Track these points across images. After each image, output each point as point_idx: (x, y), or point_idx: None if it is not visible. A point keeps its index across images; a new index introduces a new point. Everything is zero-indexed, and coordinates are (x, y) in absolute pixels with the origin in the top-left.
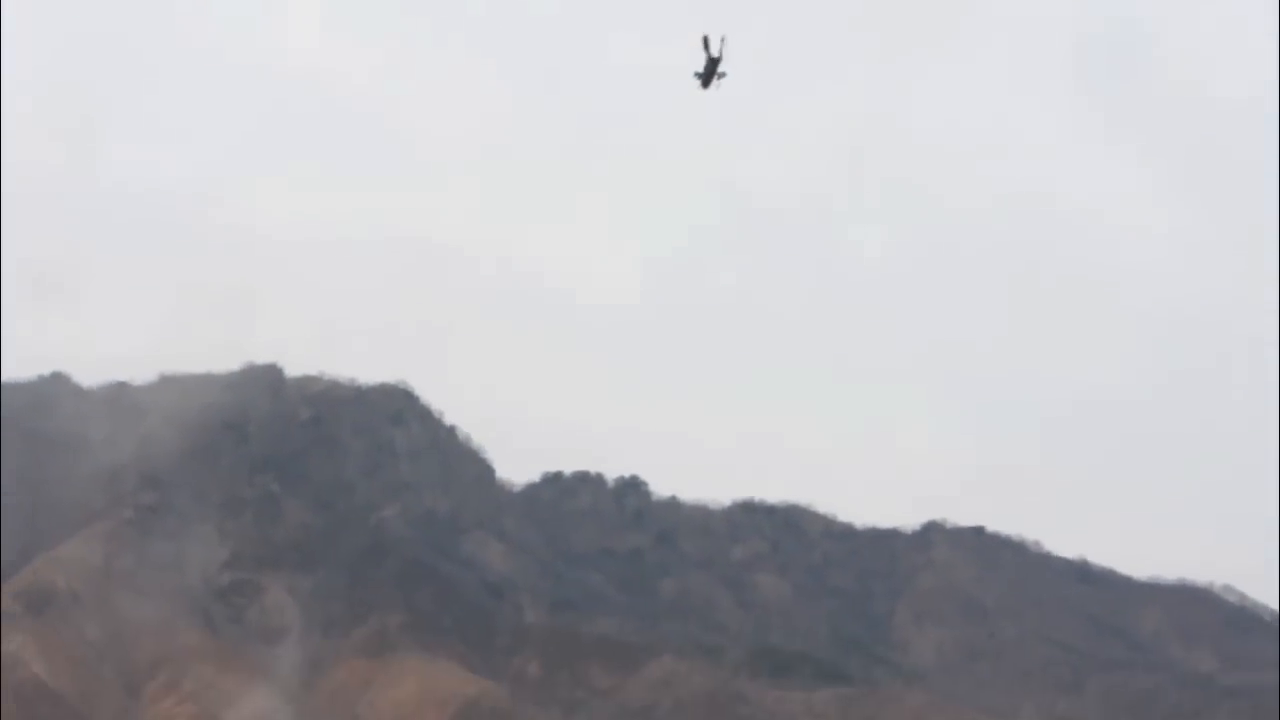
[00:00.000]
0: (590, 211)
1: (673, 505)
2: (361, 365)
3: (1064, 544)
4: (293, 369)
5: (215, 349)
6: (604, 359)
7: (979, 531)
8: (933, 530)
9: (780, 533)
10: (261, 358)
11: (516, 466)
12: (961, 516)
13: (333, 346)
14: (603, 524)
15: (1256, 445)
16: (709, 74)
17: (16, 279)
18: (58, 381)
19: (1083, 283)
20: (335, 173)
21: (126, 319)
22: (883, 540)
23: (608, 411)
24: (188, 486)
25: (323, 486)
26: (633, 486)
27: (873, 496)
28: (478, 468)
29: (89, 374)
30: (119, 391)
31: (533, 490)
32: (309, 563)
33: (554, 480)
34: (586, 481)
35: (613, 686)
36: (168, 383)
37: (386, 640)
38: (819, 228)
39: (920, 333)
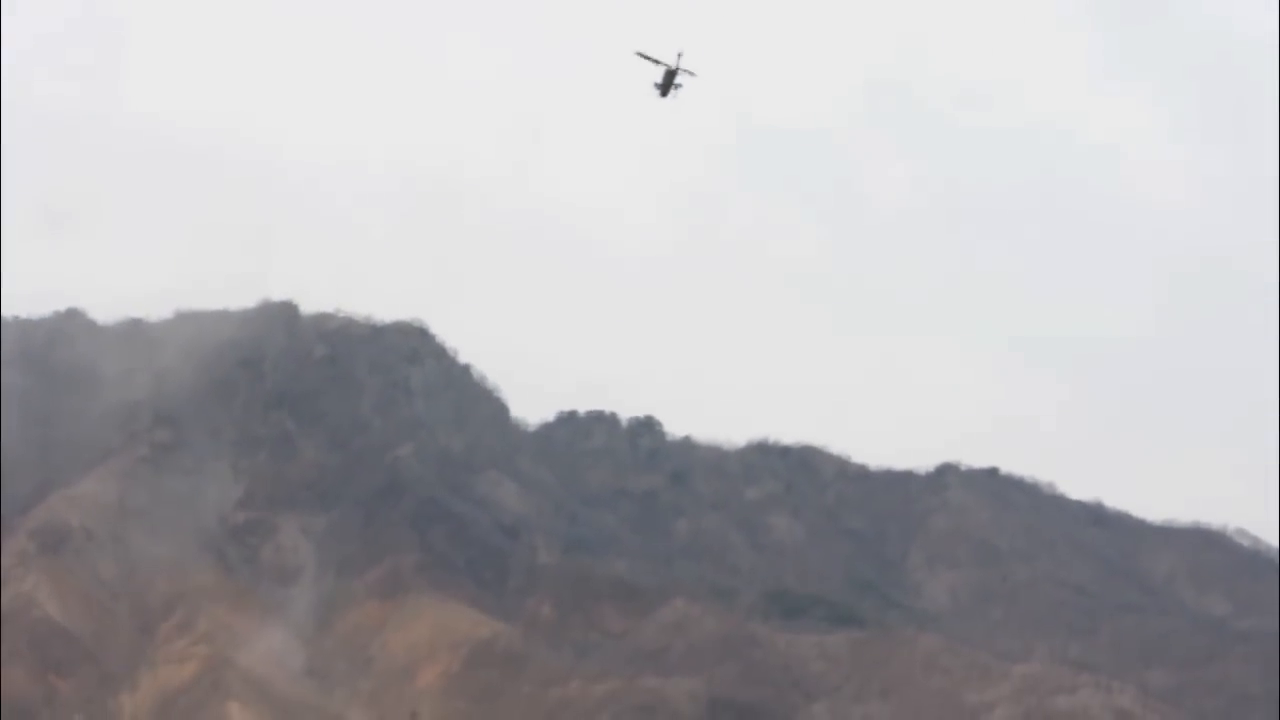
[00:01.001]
0: (607, 148)
1: (687, 446)
2: (377, 303)
3: (1078, 487)
4: (308, 306)
5: (231, 285)
6: (619, 298)
7: (993, 474)
8: (947, 472)
9: (794, 474)
10: (277, 295)
11: (531, 406)
12: (976, 459)
13: (349, 284)
14: (617, 464)
15: (1272, 388)
16: (667, 85)
17: (31, 213)
18: (73, 318)
19: (1100, 220)
20: (352, 109)
21: (142, 255)
22: (897, 482)
23: (623, 351)
24: (202, 424)
25: (337, 425)
26: (647, 427)
27: (887, 438)
28: (492, 407)
29: (104, 310)
30: (134, 328)
31: (547, 430)
32: (323, 502)
33: (568, 420)
34: (601, 421)
35: (626, 629)
36: (183, 319)
37: (400, 581)
38: (834, 163)
39: (936, 271)
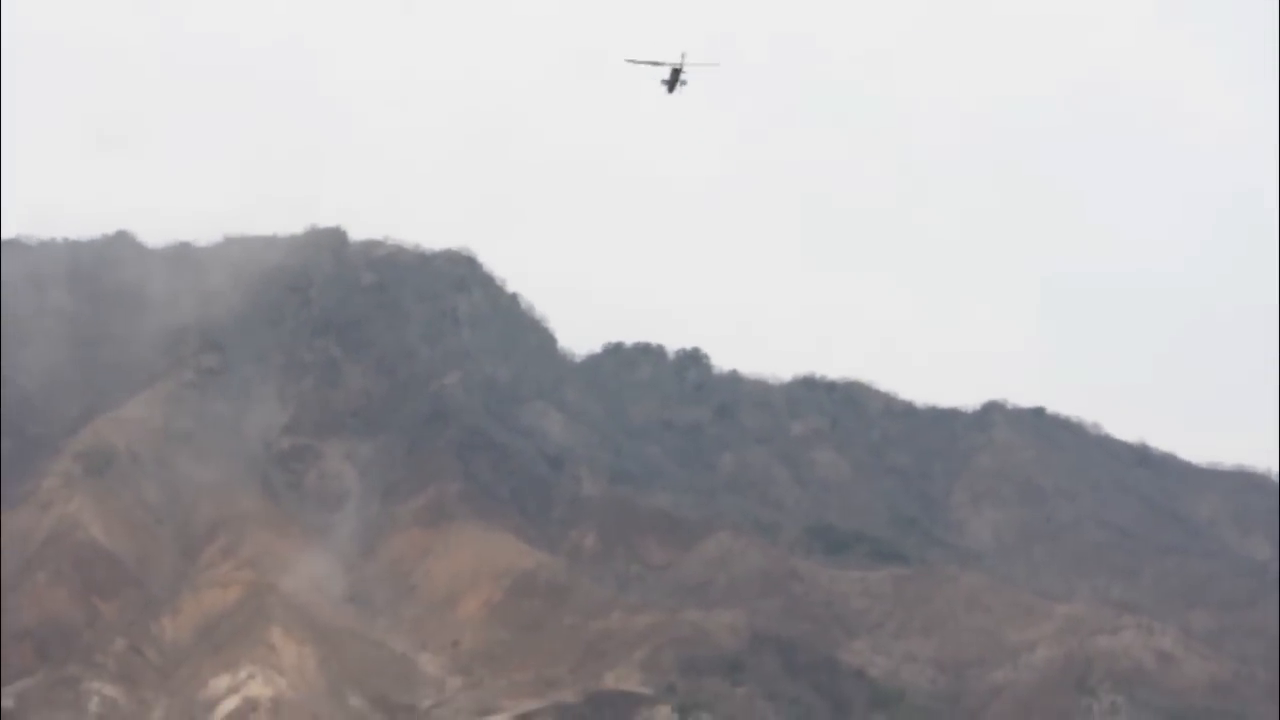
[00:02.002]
0: (653, 80)
1: (733, 379)
2: (426, 231)
3: (1124, 427)
4: (357, 233)
5: (280, 211)
6: (668, 231)
7: (1039, 413)
8: (993, 410)
9: (840, 410)
10: (325, 221)
11: (578, 337)
12: (1022, 397)
13: (397, 212)
14: (663, 397)
15: None
16: (673, 82)
17: (82, 135)
18: (121, 240)
19: (1152, 163)
20: (406, 36)
21: (192, 178)
22: (942, 420)
23: (671, 283)
24: (249, 349)
25: (384, 352)
26: (694, 359)
27: (933, 376)
28: (539, 337)
29: (153, 233)
30: (182, 251)
31: (593, 361)
32: (368, 429)
33: (615, 351)
34: (647, 353)
35: (669, 562)
36: (231, 244)
37: (444, 509)
38: (887, 97)
39: (986, 208)
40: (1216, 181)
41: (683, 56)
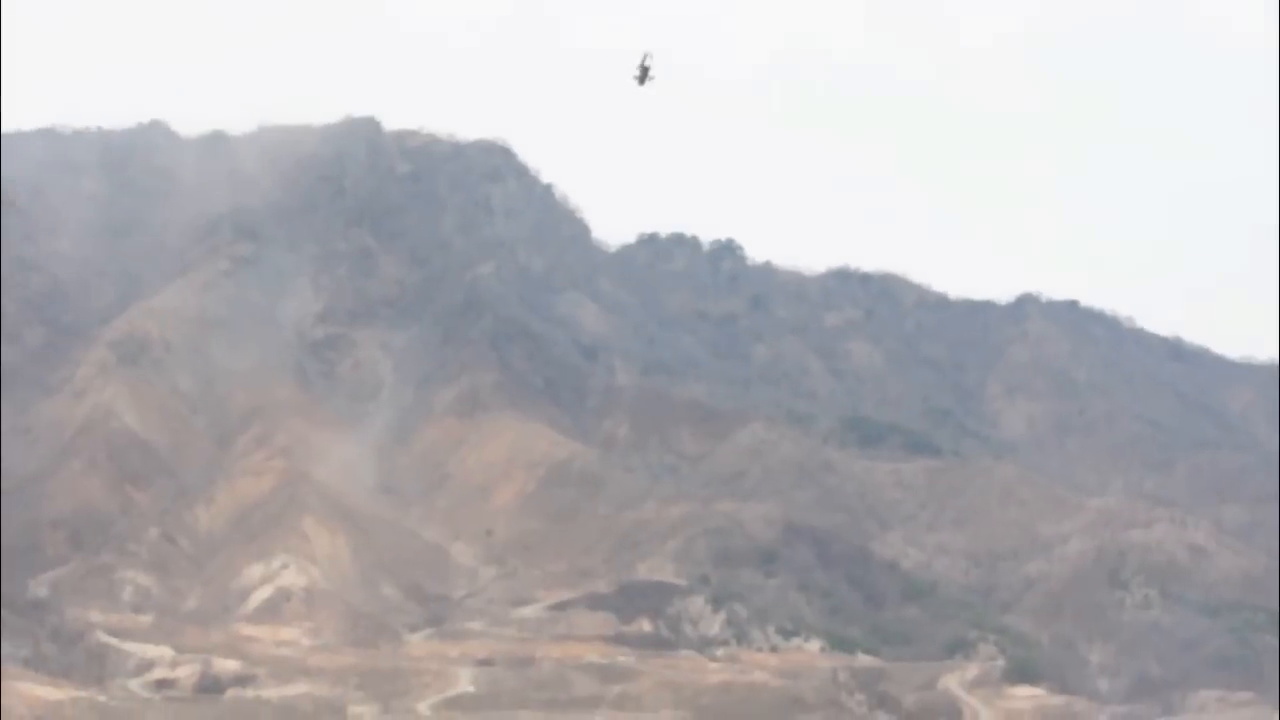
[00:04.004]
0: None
1: (767, 271)
2: (460, 121)
3: (1158, 320)
4: (391, 123)
5: (315, 100)
6: (702, 121)
7: (1073, 305)
8: (1027, 303)
9: (874, 301)
10: (361, 110)
11: (612, 227)
12: (1056, 290)
13: (432, 101)
14: (697, 287)
15: None
16: (643, 77)
17: (115, 24)
18: (155, 129)
19: (1193, 57)
20: None
21: (225, 66)
22: (976, 312)
23: (705, 174)
24: (283, 238)
25: (418, 242)
26: (728, 250)
27: (967, 267)
28: (573, 227)
29: (186, 122)
30: (216, 140)
31: (628, 251)
32: (402, 319)
33: (649, 242)
34: (682, 244)
35: (703, 452)
36: (265, 132)
37: (478, 399)
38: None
39: (1025, 102)
40: (1250, 79)
41: (648, 55)
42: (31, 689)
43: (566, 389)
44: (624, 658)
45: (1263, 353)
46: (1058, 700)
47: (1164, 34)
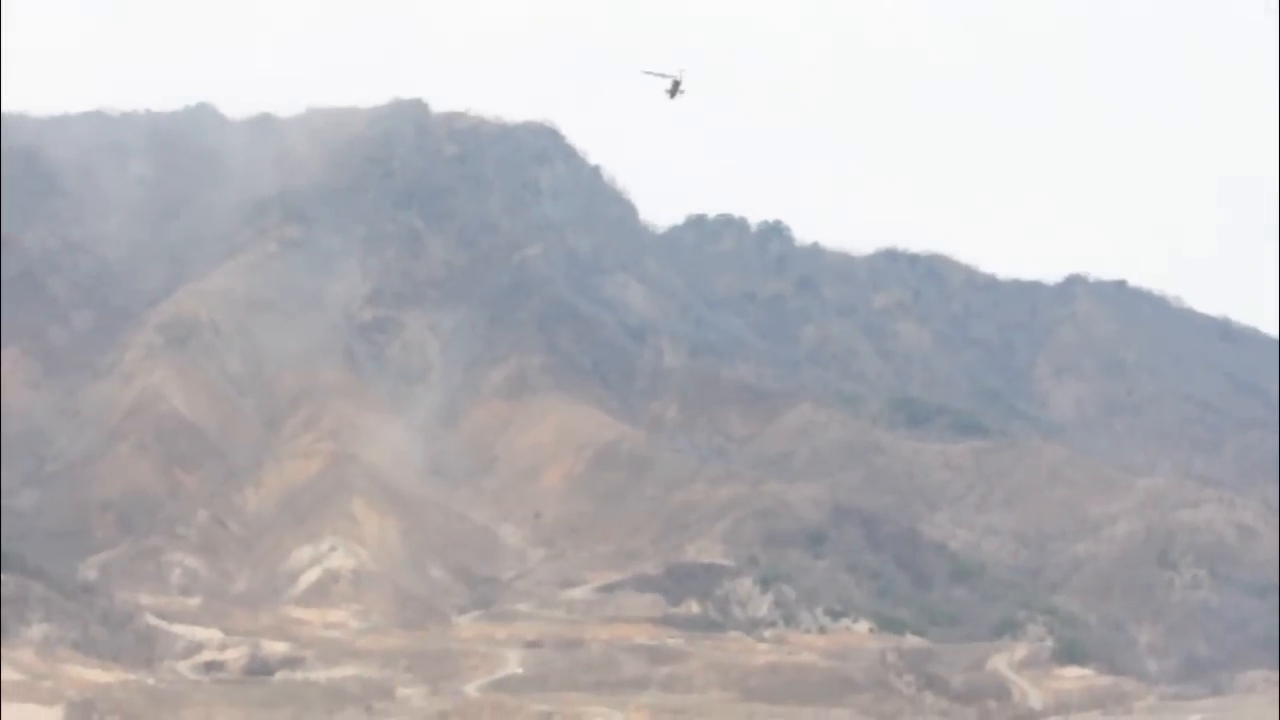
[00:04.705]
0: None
1: (815, 251)
2: (508, 103)
3: (1206, 301)
4: (439, 105)
5: (363, 82)
6: (751, 102)
7: (1121, 286)
8: (1075, 283)
9: (922, 282)
10: (408, 93)
11: (660, 209)
12: (1104, 270)
13: (479, 83)
14: (745, 269)
15: None
16: (674, 90)
17: (164, 7)
18: (203, 111)
19: (1248, 38)
20: None
21: (274, 50)
22: (1024, 292)
23: (752, 154)
24: (331, 220)
25: (466, 224)
26: (776, 231)
27: (1015, 248)
28: (621, 209)
29: (235, 104)
30: (264, 123)
31: (675, 233)
32: (450, 300)
33: (697, 223)
34: (730, 225)
35: (751, 433)
36: (314, 115)
37: (526, 381)
38: None
39: (1075, 83)
40: None
41: (681, 72)
42: (81, 671)
43: (614, 370)
44: (672, 639)
45: None
46: (1106, 680)
47: (1223, 15)
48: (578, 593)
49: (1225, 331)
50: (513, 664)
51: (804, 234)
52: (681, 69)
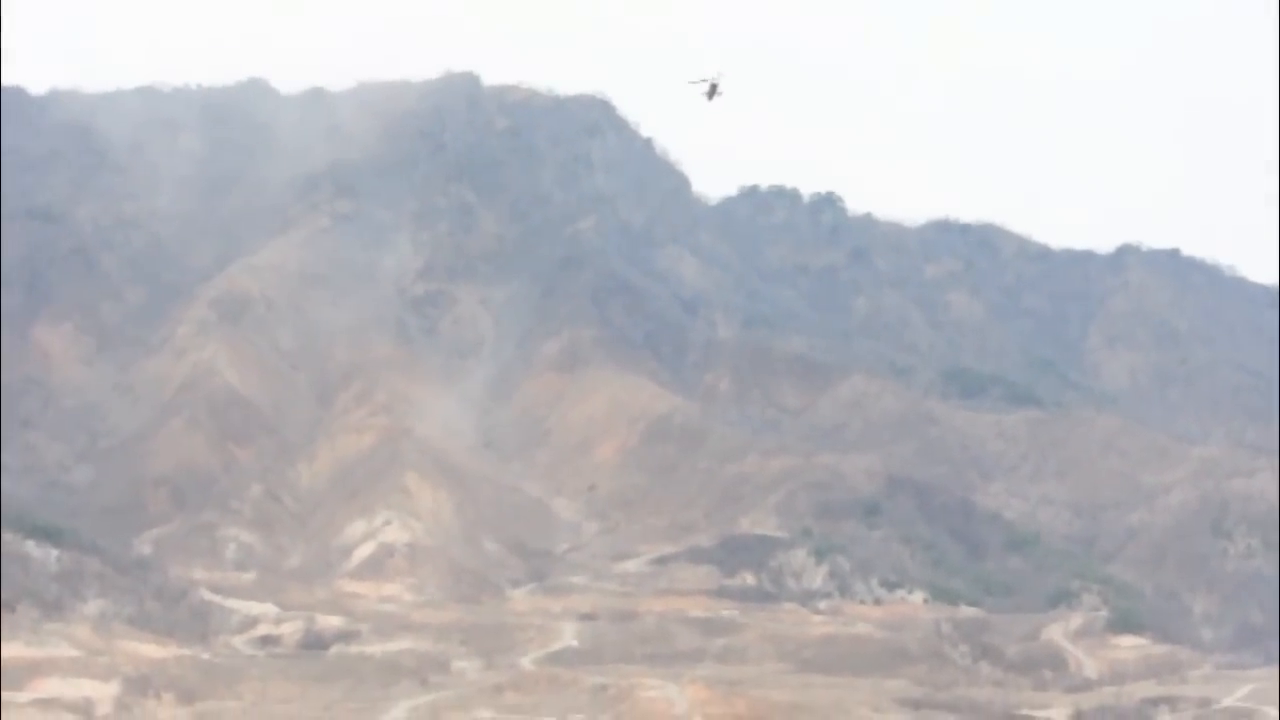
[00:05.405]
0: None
1: (868, 222)
2: (560, 76)
3: (1259, 269)
4: (490, 78)
5: (414, 55)
6: (802, 73)
7: (1174, 255)
8: (1127, 253)
9: (974, 252)
10: (459, 65)
11: (712, 180)
12: (1157, 239)
13: (531, 56)
14: (797, 240)
15: None
16: (711, 93)
17: None
18: (254, 86)
19: None
20: None
21: (325, 24)
22: (1077, 262)
23: (805, 127)
24: (382, 195)
25: (518, 197)
26: (828, 203)
27: (1067, 217)
28: (673, 181)
29: (286, 79)
30: (316, 96)
31: (728, 205)
32: (503, 274)
33: (750, 195)
34: (782, 197)
35: (804, 405)
36: (365, 89)
37: (578, 354)
38: None
39: (1121, 47)
40: None
41: (718, 73)
42: (136, 647)
43: (667, 343)
44: (727, 611)
45: None
46: (1161, 649)
47: None
48: (631, 565)
49: (1278, 300)
50: (567, 637)
51: (856, 205)
52: (719, 71)
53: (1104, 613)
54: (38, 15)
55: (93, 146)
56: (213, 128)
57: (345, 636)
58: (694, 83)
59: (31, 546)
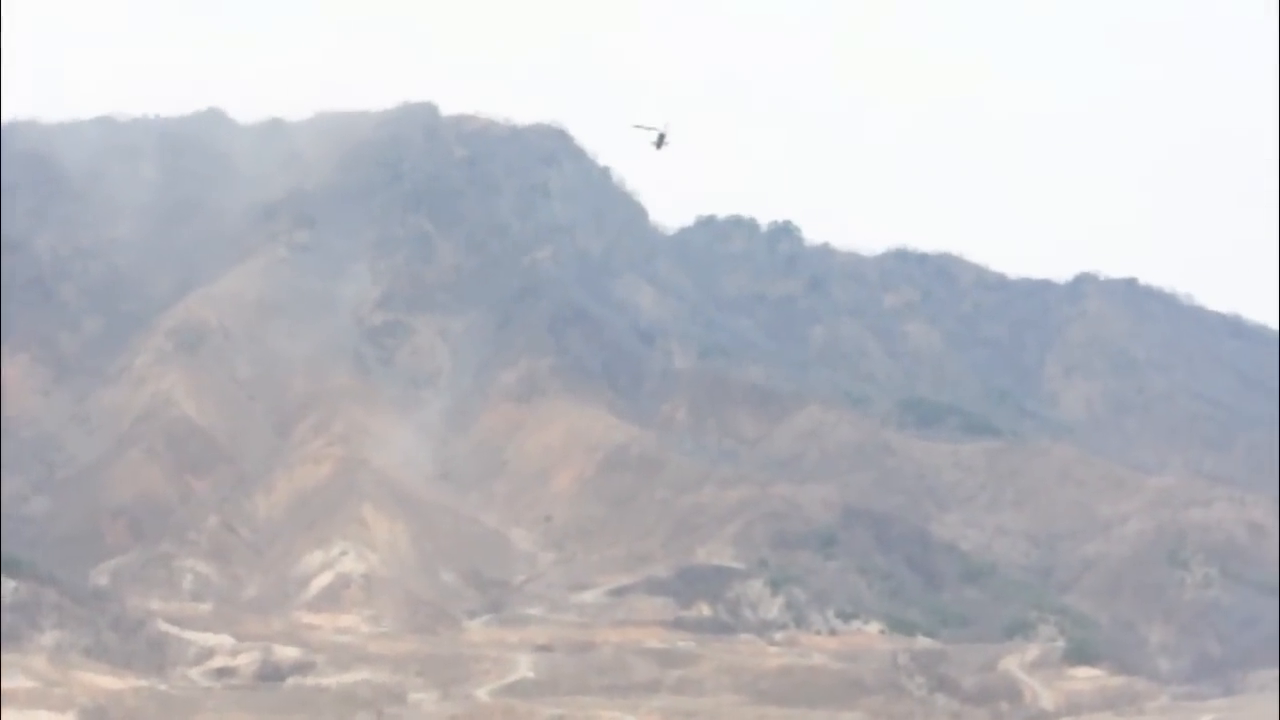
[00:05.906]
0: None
1: (825, 252)
2: (517, 105)
3: (1217, 298)
4: (448, 108)
5: (371, 86)
6: (758, 104)
7: (1131, 283)
8: (1085, 282)
9: (932, 281)
10: (416, 95)
11: (669, 210)
12: (1114, 268)
13: (487, 86)
14: (754, 270)
15: None
16: (660, 142)
17: (172, 9)
18: (213, 116)
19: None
20: None
21: (282, 54)
22: (1034, 291)
23: (762, 155)
24: (340, 224)
25: (475, 227)
26: (785, 232)
27: (1025, 247)
28: (631, 210)
29: (244, 109)
30: (273, 127)
31: (685, 234)
32: (460, 304)
33: (707, 224)
34: (739, 226)
35: (760, 435)
36: (322, 119)
37: (536, 384)
38: None
39: (1075, 81)
40: None
41: (666, 124)
42: (92, 678)
43: (624, 373)
44: (683, 642)
45: None
46: (1118, 681)
47: (1230, 17)
48: (588, 596)
49: (1236, 329)
50: (524, 668)
51: (814, 234)
52: (667, 121)
53: (1060, 643)
54: None
55: (50, 176)
56: (171, 157)
57: (301, 668)
58: (642, 128)
59: None
